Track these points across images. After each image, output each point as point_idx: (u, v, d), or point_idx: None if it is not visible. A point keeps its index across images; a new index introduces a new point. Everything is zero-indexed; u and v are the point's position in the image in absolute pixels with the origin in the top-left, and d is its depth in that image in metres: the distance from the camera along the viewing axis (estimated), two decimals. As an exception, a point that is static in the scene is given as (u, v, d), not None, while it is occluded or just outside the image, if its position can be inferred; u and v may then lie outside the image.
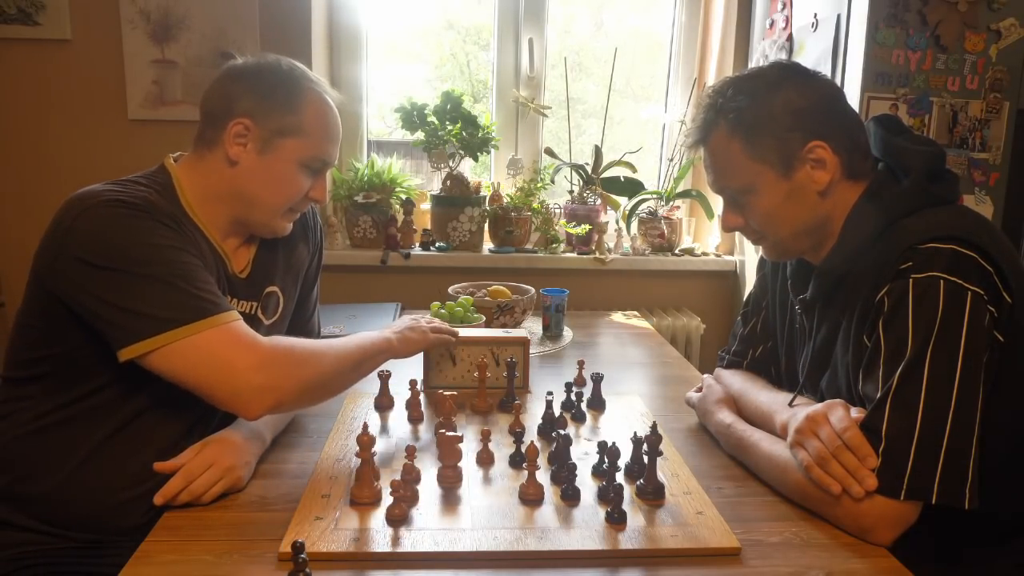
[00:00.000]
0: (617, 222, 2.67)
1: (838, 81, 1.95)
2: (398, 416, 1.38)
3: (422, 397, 1.42)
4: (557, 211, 2.63)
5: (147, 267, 1.05)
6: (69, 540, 1.13)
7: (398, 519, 0.99)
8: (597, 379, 1.46)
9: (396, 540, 0.95)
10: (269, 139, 1.20)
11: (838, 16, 1.96)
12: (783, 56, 2.25)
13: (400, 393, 1.44)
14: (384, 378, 1.43)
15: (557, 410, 1.33)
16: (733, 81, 1.17)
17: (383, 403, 1.42)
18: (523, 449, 1.13)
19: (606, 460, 1.10)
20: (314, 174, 1.27)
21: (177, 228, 1.13)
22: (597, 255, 2.55)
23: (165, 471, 1.06)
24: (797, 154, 1.11)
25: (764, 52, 2.40)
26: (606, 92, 2.67)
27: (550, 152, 2.65)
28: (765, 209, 1.15)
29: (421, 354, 1.52)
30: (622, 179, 2.64)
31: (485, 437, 1.18)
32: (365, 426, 1.08)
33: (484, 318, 1.84)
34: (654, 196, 2.67)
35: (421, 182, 2.78)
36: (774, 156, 1.12)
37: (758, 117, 1.12)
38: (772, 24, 2.36)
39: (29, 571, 1.10)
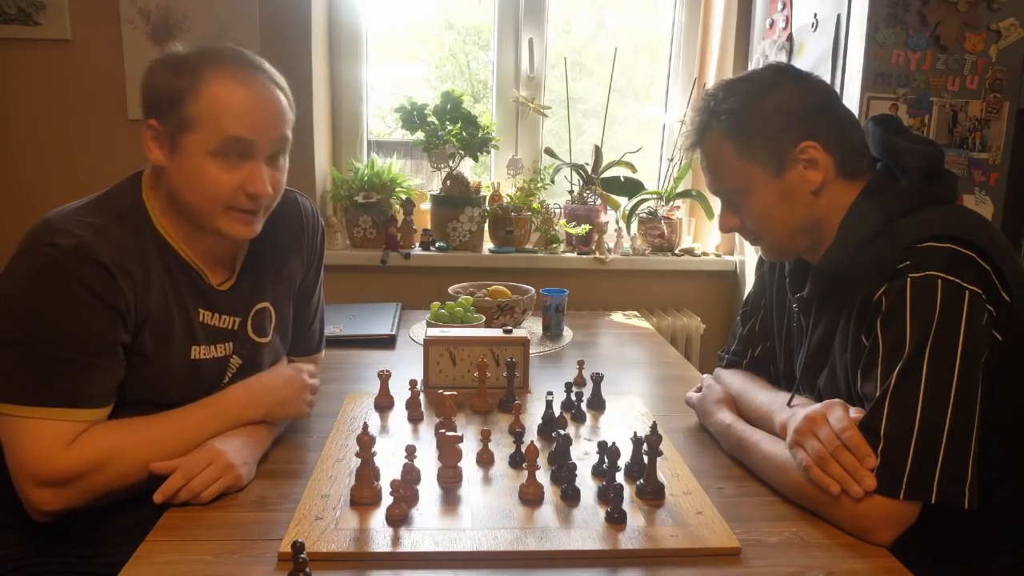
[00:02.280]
0: (617, 222, 2.67)
1: (838, 81, 1.95)
2: (398, 416, 1.38)
3: (422, 397, 1.42)
4: (557, 211, 2.63)
5: (22, 333, 1.02)
6: (67, 540, 1.13)
7: (398, 519, 0.99)
8: (597, 379, 1.46)
9: (396, 540, 0.95)
10: (174, 137, 1.10)
11: (838, 16, 1.96)
12: (783, 56, 2.25)
13: (400, 393, 1.44)
14: (384, 378, 1.43)
15: (557, 410, 1.33)
16: (726, 84, 1.18)
17: (383, 403, 1.42)
18: (523, 449, 1.13)
19: (606, 460, 1.10)
20: (235, 161, 1.11)
21: (109, 275, 1.05)
22: (597, 255, 2.55)
23: (160, 472, 1.06)
24: (789, 155, 1.12)
25: (764, 52, 2.40)
26: (606, 92, 2.67)
27: (550, 152, 2.66)
28: (759, 209, 1.16)
29: (421, 354, 1.52)
30: (622, 179, 2.64)
31: (485, 437, 1.19)
32: (365, 426, 1.08)
33: (484, 318, 1.84)
34: (654, 196, 2.67)
35: (421, 182, 2.79)
36: (766, 157, 1.12)
37: (750, 118, 1.13)
38: (772, 24, 2.36)
39: (27, 571, 1.11)
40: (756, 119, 1.12)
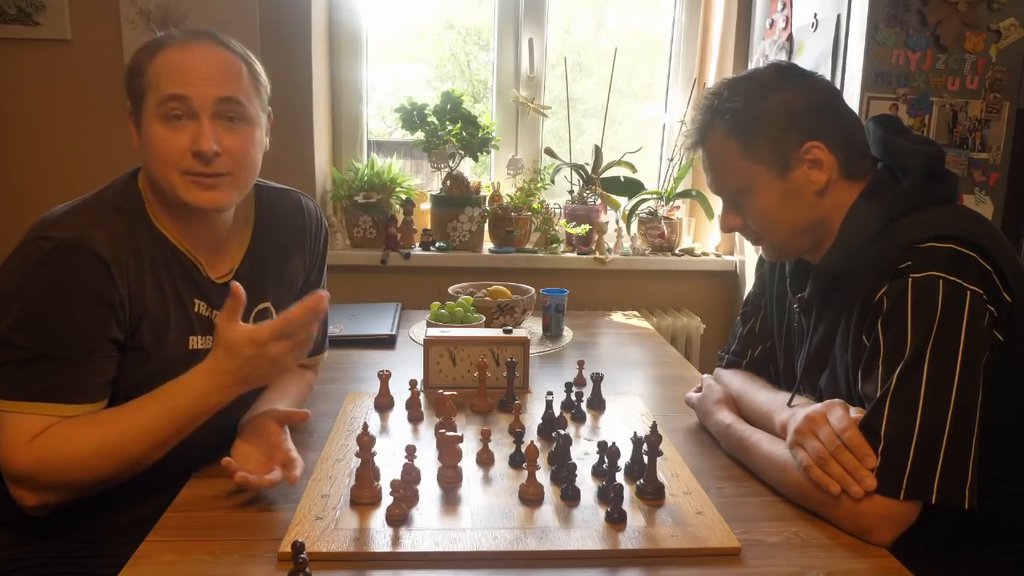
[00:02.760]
0: (617, 222, 2.67)
1: (838, 81, 1.95)
2: (398, 416, 1.38)
3: (422, 397, 1.42)
4: (557, 211, 2.63)
5: (11, 327, 1.02)
6: (67, 540, 1.13)
7: (398, 519, 0.99)
8: (597, 379, 1.46)
9: (396, 540, 0.95)
10: (136, 112, 1.14)
11: (838, 16, 1.96)
12: (783, 56, 2.25)
13: (400, 393, 1.44)
14: (384, 378, 1.43)
15: (557, 410, 1.33)
16: (729, 83, 1.17)
17: (383, 403, 1.42)
18: (523, 449, 1.13)
19: (606, 460, 1.10)
20: (185, 121, 1.10)
21: (106, 270, 1.05)
22: (597, 255, 2.55)
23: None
24: (793, 154, 1.11)
25: (764, 52, 2.40)
26: (606, 92, 2.67)
27: (550, 152, 2.66)
28: (762, 209, 1.16)
29: (421, 354, 1.52)
30: (622, 179, 2.64)
31: (485, 437, 1.18)
32: (365, 426, 1.08)
33: (484, 318, 1.84)
34: (654, 196, 2.67)
35: (421, 182, 2.79)
36: (770, 156, 1.12)
37: (753, 118, 1.12)
38: (772, 24, 2.36)
39: (27, 572, 1.11)
40: (760, 118, 1.12)
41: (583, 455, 1.20)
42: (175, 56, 1.12)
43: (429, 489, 1.08)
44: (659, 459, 1.10)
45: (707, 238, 2.78)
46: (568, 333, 2.02)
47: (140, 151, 1.15)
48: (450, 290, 2.00)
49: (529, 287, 2.06)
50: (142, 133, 1.14)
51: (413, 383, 1.40)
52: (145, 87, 1.12)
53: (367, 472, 1.04)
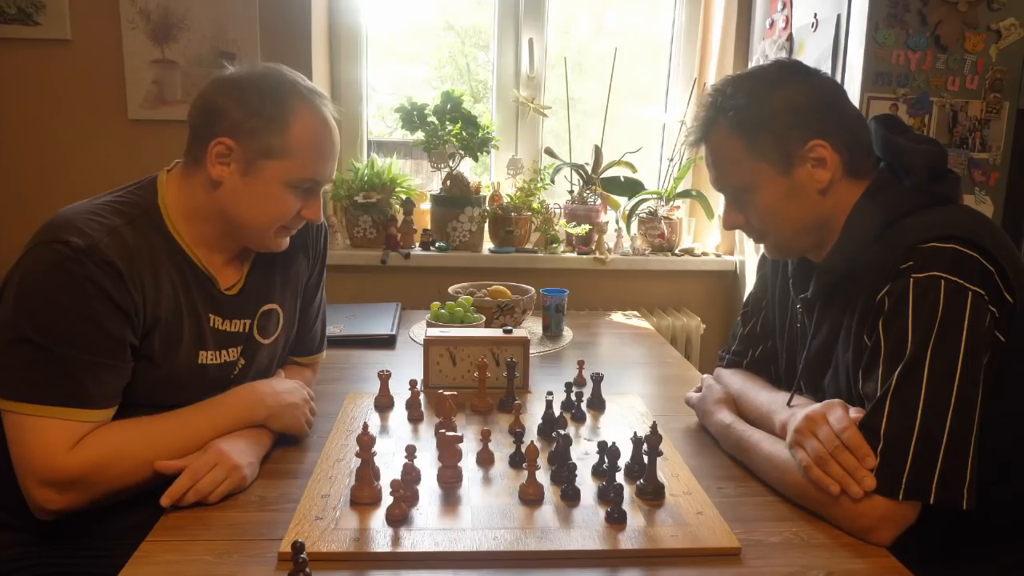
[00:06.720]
0: (617, 222, 2.67)
1: (838, 81, 1.95)
2: (398, 416, 1.38)
3: (422, 397, 1.42)
4: (557, 211, 2.63)
5: (32, 330, 1.02)
6: (67, 542, 1.13)
7: (398, 519, 0.99)
8: (597, 379, 1.46)
9: (396, 540, 0.95)
10: (252, 160, 1.13)
11: (838, 16, 1.96)
12: (783, 56, 2.25)
13: (400, 393, 1.44)
14: (384, 378, 1.43)
15: (557, 410, 1.33)
16: (734, 79, 1.17)
17: (383, 403, 1.42)
18: (523, 449, 1.13)
19: (606, 460, 1.10)
20: (305, 193, 1.20)
21: (119, 277, 1.06)
22: (597, 255, 2.55)
23: (167, 471, 1.05)
24: (797, 152, 1.11)
25: (764, 52, 2.40)
26: (606, 92, 2.67)
27: (550, 152, 2.65)
28: (765, 207, 1.15)
29: (421, 354, 1.52)
30: (622, 179, 2.64)
31: (485, 437, 1.18)
32: (365, 426, 1.08)
33: (484, 318, 1.84)
34: (654, 196, 2.67)
35: (421, 182, 2.78)
36: (774, 154, 1.12)
37: (758, 115, 1.12)
38: (772, 24, 2.36)
39: (28, 572, 1.11)
40: (765, 116, 1.12)
41: (583, 455, 1.20)
42: (322, 135, 1.17)
43: (429, 489, 1.08)
44: (659, 459, 1.10)
45: (707, 238, 2.78)
46: (568, 333, 2.02)
47: (222, 183, 1.15)
48: (450, 290, 2.00)
49: (529, 287, 2.06)
50: (256, 183, 1.15)
51: (413, 383, 1.40)
52: (281, 150, 1.14)
53: (367, 472, 1.04)
